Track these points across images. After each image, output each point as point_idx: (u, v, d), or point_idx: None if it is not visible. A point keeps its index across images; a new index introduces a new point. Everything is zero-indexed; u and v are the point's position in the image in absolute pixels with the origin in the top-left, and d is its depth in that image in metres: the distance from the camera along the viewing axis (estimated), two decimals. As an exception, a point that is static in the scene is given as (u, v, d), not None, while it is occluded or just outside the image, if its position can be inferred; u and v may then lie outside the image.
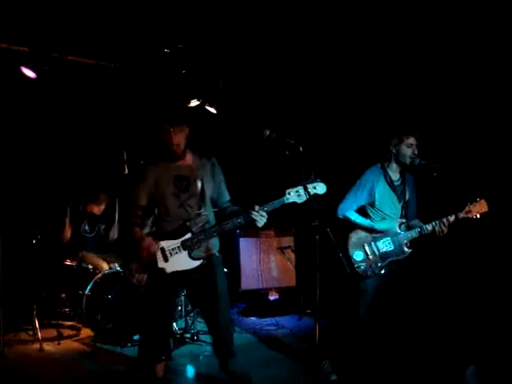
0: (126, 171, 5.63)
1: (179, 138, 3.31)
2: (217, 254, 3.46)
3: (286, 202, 3.18)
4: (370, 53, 5.22)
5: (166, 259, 3.26)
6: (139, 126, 6.25)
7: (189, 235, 3.27)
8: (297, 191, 3.14)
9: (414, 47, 4.87)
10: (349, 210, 3.71)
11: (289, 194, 3.15)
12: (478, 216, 3.57)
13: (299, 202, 3.16)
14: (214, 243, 3.42)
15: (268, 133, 3.20)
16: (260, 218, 3.18)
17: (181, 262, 3.27)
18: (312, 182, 3.12)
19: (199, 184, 3.35)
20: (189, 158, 3.42)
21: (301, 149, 3.04)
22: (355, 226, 3.71)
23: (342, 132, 5.92)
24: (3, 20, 4.74)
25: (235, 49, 5.67)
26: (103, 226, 5.62)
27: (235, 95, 6.42)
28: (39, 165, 6.04)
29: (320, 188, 3.14)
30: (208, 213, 3.39)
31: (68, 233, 5.39)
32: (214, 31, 5.28)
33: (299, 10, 4.81)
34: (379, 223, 3.68)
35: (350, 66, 5.49)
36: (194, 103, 6.21)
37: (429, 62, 4.87)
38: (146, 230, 3.42)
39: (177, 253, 3.26)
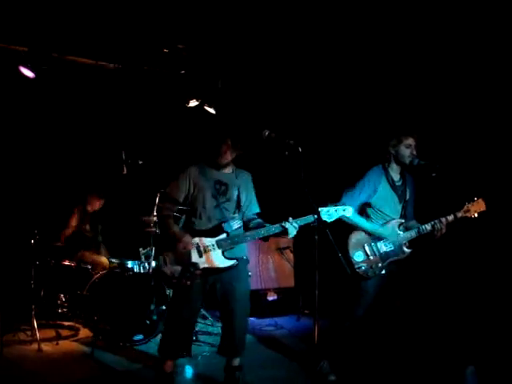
0: (125, 171, 5.63)
1: (231, 156, 3.57)
2: (245, 257, 3.62)
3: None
4: (369, 53, 5.22)
5: (200, 255, 3.40)
6: (138, 126, 6.25)
7: (224, 235, 3.43)
8: (328, 210, 3.32)
9: (414, 48, 4.87)
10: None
11: (320, 212, 3.28)
12: (476, 215, 3.59)
13: (329, 221, 3.32)
14: (243, 247, 3.60)
15: (267, 133, 3.21)
16: (292, 229, 3.35)
17: (215, 259, 3.41)
18: (342, 205, 3.33)
19: (236, 191, 3.58)
20: (230, 168, 3.66)
21: (300, 149, 3.04)
22: (356, 228, 3.70)
23: (342, 132, 5.92)
24: (2, 20, 4.73)
25: (234, 49, 5.66)
26: (100, 227, 5.63)
27: (234, 95, 6.42)
28: (38, 164, 6.03)
29: (348, 211, 3.34)
30: (241, 218, 3.61)
31: (69, 232, 5.39)
32: (213, 31, 5.28)
33: (299, 10, 4.80)
34: (381, 229, 3.67)
35: (350, 66, 5.50)
36: (192, 103, 6.20)
37: (428, 62, 4.87)
38: (180, 226, 3.57)
39: (211, 250, 3.41)
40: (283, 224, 3.36)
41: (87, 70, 5.65)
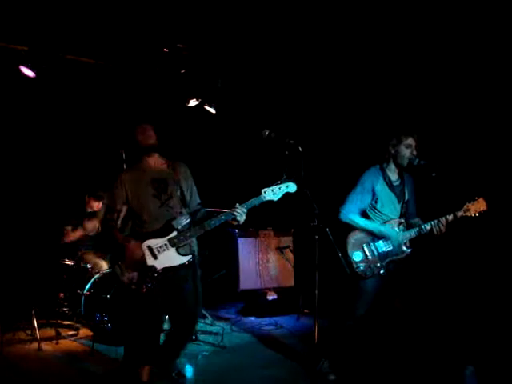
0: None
1: (155, 137, 3.53)
2: (197, 255, 3.57)
3: (264, 200, 3.34)
4: (369, 53, 5.22)
5: (155, 257, 3.35)
6: (138, 125, 6.24)
7: (175, 233, 3.38)
8: (272, 190, 3.31)
9: (413, 48, 4.87)
10: (352, 213, 3.68)
11: (265, 192, 3.31)
12: (477, 214, 3.58)
13: (275, 199, 3.33)
14: (195, 244, 3.56)
15: (267, 133, 3.21)
16: (240, 215, 3.31)
17: (170, 258, 3.38)
18: (285, 182, 3.28)
19: (177, 186, 3.52)
20: (162, 162, 3.59)
21: (300, 149, 3.05)
22: (356, 228, 3.70)
23: (342, 132, 5.92)
24: (2, 19, 4.73)
25: (234, 48, 5.66)
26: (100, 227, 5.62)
27: (234, 95, 6.42)
28: (38, 164, 6.03)
29: (291, 187, 3.31)
30: (188, 213, 3.55)
31: (69, 238, 5.38)
32: (213, 31, 5.28)
33: (299, 10, 4.80)
34: (384, 227, 3.67)
35: (349, 66, 5.49)
36: (192, 103, 6.20)
37: (427, 61, 4.87)
38: (126, 233, 3.50)
39: (164, 250, 3.37)
40: (232, 211, 3.31)
41: (87, 69, 5.65)
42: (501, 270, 4.39)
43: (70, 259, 5.25)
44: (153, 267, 3.33)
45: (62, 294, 5.16)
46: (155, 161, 3.56)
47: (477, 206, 3.57)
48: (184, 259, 3.39)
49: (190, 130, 6.47)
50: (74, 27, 4.97)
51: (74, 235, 5.38)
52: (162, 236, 3.37)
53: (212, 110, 6.26)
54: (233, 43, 5.54)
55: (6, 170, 5.65)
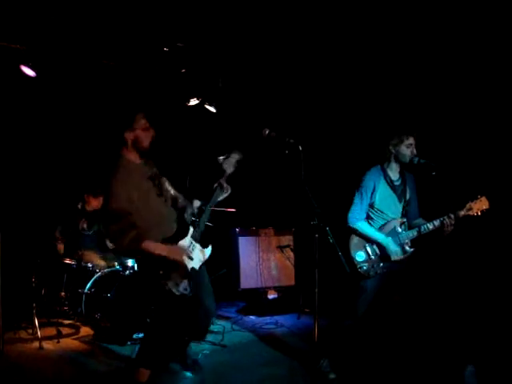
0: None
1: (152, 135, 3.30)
2: None
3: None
4: (369, 53, 5.22)
5: (190, 258, 3.26)
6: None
7: (191, 228, 3.35)
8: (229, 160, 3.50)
9: (413, 47, 4.87)
10: (360, 220, 3.67)
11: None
12: (479, 213, 3.57)
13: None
14: None
15: (267, 132, 3.21)
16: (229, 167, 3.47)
17: (201, 254, 3.37)
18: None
19: (164, 180, 3.43)
20: (143, 158, 3.33)
21: (300, 148, 3.05)
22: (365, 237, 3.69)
23: (342, 131, 5.92)
24: (2, 18, 4.73)
25: (235, 48, 5.66)
26: (99, 227, 5.61)
27: (235, 94, 6.42)
28: (38, 163, 6.04)
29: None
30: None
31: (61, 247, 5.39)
32: (213, 30, 5.28)
33: (299, 10, 4.80)
34: (391, 244, 3.62)
35: (350, 65, 5.49)
36: (193, 102, 6.21)
37: (427, 61, 4.87)
38: (134, 242, 3.10)
39: (193, 248, 3.33)
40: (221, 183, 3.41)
41: (88, 68, 5.66)
42: (501, 269, 4.39)
43: (70, 258, 5.26)
44: (193, 269, 3.26)
45: (63, 293, 5.16)
46: (138, 158, 3.28)
47: (479, 205, 3.56)
48: (208, 251, 3.41)
49: (191, 130, 6.47)
50: (75, 27, 4.98)
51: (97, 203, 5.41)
52: (182, 236, 3.27)
53: (212, 109, 6.27)
54: (233, 42, 5.54)
55: (8, 169, 5.65)
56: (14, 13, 4.69)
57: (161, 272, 3.09)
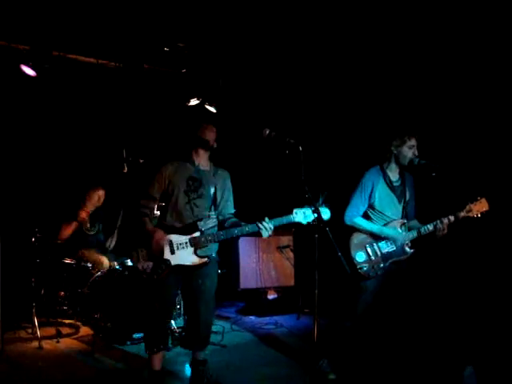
0: (126, 169, 5.62)
1: (215, 137, 3.63)
2: (214, 255, 3.65)
3: (293, 220, 3.35)
4: (369, 53, 5.22)
5: (172, 252, 3.42)
6: (139, 124, 6.25)
7: (197, 234, 3.44)
8: (304, 212, 3.33)
9: (414, 47, 4.87)
10: (356, 217, 3.70)
11: (296, 213, 3.33)
12: (479, 215, 3.57)
13: (304, 222, 3.34)
14: (215, 246, 3.61)
15: (268, 132, 3.21)
16: (266, 230, 3.34)
17: (186, 257, 3.44)
18: (320, 206, 3.18)
19: (212, 189, 3.58)
20: (207, 163, 3.67)
21: (300, 148, 3.04)
22: (360, 230, 3.70)
23: (342, 131, 5.92)
24: (3, 18, 4.73)
25: (235, 48, 5.67)
26: (101, 226, 5.62)
27: (235, 94, 6.42)
28: (39, 163, 6.03)
29: (325, 214, 3.21)
30: (216, 217, 3.60)
31: (67, 232, 5.37)
32: (214, 30, 5.28)
33: (299, 10, 4.80)
34: (387, 229, 3.68)
35: (350, 65, 5.49)
36: (193, 102, 6.21)
37: (428, 61, 4.86)
38: (154, 222, 3.60)
39: (183, 248, 3.43)
40: (258, 224, 3.34)
41: (88, 68, 5.66)
42: (500, 270, 4.39)
43: (70, 258, 5.26)
44: (167, 261, 3.39)
45: (62, 293, 5.17)
46: (201, 161, 3.62)
47: (479, 207, 3.56)
48: (199, 260, 3.45)
49: (191, 129, 6.46)
50: (75, 26, 4.98)
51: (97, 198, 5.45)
52: (185, 233, 3.44)
53: (213, 110, 6.27)
54: (233, 42, 5.54)
55: (8, 168, 5.65)
56: (15, 13, 4.69)
57: (137, 245, 3.48)
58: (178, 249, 3.42)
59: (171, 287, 3.57)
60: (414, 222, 3.80)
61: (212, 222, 3.52)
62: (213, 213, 3.58)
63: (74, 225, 5.35)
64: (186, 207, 3.50)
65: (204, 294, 3.56)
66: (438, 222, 3.58)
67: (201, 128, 3.63)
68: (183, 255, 3.43)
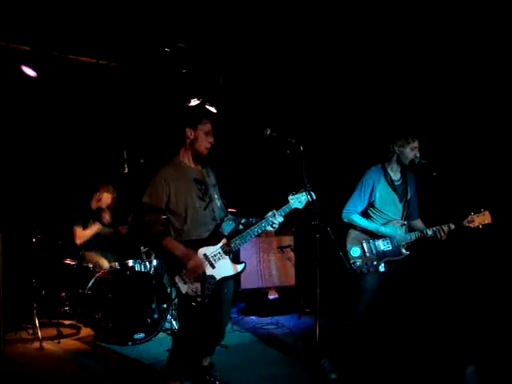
0: (126, 170, 5.63)
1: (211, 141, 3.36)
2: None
3: (292, 207, 3.38)
4: (370, 53, 5.22)
5: (212, 266, 3.20)
6: (139, 124, 6.26)
7: (224, 240, 3.27)
8: (297, 197, 3.36)
9: (415, 48, 4.87)
10: (354, 214, 3.70)
11: (292, 200, 3.37)
12: (480, 227, 3.52)
13: (300, 207, 3.38)
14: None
15: (269, 132, 3.21)
16: (278, 222, 3.34)
17: (226, 267, 3.25)
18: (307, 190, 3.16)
19: (215, 190, 3.41)
20: (197, 163, 3.37)
21: (301, 148, 3.04)
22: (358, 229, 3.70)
23: (343, 131, 5.92)
24: (4, 18, 4.74)
25: (235, 48, 5.67)
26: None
27: (236, 94, 6.42)
28: (39, 163, 6.04)
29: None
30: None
31: (88, 234, 5.35)
32: (214, 30, 5.28)
33: (300, 10, 4.81)
34: (384, 228, 3.68)
35: (351, 65, 5.49)
36: (194, 102, 6.21)
37: (430, 62, 4.86)
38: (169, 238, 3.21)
39: (220, 259, 3.23)
40: (271, 219, 3.30)
41: (89, 69, 5.66)
42: (501, 270, 4.39)
43: (71, 259, 5.26)
44: (212, 277, 3.17)
45: (63, 294, 5.17)
46: (191, 160, 3.33)
47: (481, 219, 3.52)
48: (239, 268, 3.30)
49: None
50: (76, 27, 4.98)
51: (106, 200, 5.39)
52: (213, 243, 3.22)
53: (213, 110, 6.27)
54: (234, 42, 5.54)
55: (9, 168, 5.65)
56: (15, 13, 4.70)
57: (174, 269, 3.14)
58: (215, 261, 3.20)
59: (215, 305, 3.26)
60: (417, 222, 3.79)
61: (230, 225, 3.38)
62: (229, 216, 3.43)
63: (97, 228, 5.33)
64: (204, 213, 3.23)
65: (227, 303, 3.42)
66: (439, 228, 3.57)
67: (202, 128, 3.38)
68: (222, 266, 3.22)
